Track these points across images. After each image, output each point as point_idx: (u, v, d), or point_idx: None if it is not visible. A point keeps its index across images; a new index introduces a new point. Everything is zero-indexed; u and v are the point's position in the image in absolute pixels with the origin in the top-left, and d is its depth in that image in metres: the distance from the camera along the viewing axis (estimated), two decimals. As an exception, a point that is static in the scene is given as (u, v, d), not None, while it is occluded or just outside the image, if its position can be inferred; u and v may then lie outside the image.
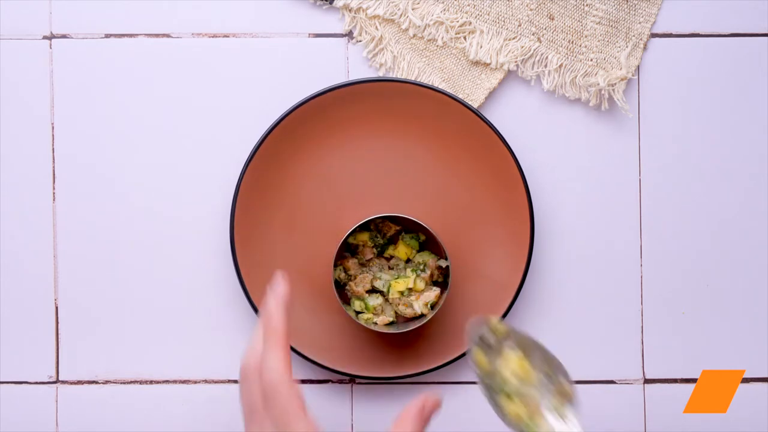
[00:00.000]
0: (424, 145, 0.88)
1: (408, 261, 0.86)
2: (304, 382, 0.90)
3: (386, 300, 0.86)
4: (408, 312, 0.85)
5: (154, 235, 0.90)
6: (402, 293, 0.84)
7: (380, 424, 0.90)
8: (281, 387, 0.72)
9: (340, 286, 0.87)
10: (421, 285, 0.84)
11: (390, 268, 0.87)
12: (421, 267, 0.85)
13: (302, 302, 0.88)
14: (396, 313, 0.86)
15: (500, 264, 0.88)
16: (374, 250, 0.86)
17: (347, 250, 0.86)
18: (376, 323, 0.85)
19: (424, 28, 0.89)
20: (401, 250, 0.86)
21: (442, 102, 0.87)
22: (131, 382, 0.90)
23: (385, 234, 0.86)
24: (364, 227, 0.86)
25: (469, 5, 0.89)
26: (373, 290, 0.86)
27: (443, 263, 0.85)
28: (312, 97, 0.86)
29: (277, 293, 0.75)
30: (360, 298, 0.85)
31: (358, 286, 0.85)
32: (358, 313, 0.85)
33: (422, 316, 0.84)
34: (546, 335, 0.90)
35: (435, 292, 0.84)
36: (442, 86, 0.89)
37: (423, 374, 0.88)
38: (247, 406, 0.74)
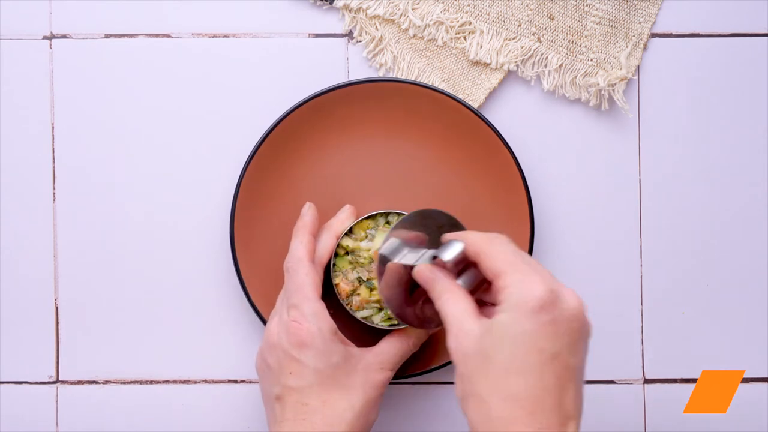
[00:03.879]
0: (424, 145, 0.88)
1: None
2: (304, 382, 0.90)
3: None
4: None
5: (155, 235, 0.90)
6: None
7: (380, 424, 0.90)
8: (298, 266, 0.80)
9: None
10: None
11: None
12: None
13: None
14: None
15: (500, 264, 0.88)
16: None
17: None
18: (374, 323, 0.84)
19: (424, 28, 0.89)
20: None
21: (442, 102, 0.87)
22: (131, 382, 0.90)
23: None
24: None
25: (469, 5, 0.89)
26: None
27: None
28: (312, 97, 0.86)
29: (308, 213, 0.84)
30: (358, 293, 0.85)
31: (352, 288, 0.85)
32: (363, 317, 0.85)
33: None
34: (546, 335, 0.90)
35: None
36: (442, 86, 0.89)
37: (423, 374, 0.88)
38: (275, 307, 0.82)
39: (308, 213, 0.84)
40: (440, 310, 0.71)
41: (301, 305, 0.79)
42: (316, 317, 0.78)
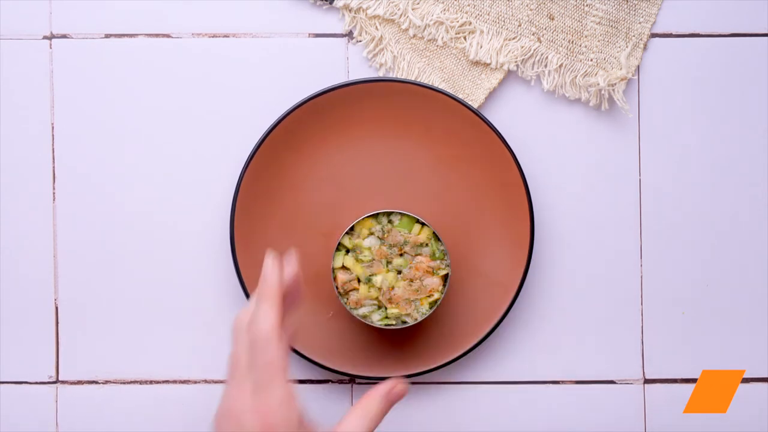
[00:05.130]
0: (424, 145, 0.88)
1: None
2: (303, 382, 0.90)
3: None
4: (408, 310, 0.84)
5: (154, 235, 0.90)
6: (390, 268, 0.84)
7: (380, 424, 0.90)
8: (267, 343, 0.72)
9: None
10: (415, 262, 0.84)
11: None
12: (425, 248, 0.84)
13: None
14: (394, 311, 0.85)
15: (500, 264, 0.88)
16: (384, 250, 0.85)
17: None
18: (373, 321, 0.84)
19: (424, 28, 0.89)
20: (424, 233, 0.85)
21: (442, 102, 0.87)
22: (131, 382, 0.90)
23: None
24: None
25: (469, 5, 0.89)
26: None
27: (442, 266, 0.85)
28: (312, 97, 0.86)
29: (277, 265, 0.74)
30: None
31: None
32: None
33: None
34: (546, 335, 0.90)
35: (435, 280, 0.84)
36: (442, 86, 0.89)
37: (423, 374, 0.88)
38: (232, 364, 0.74)
39: (272, 273, 0.73)
40: None
41: (270, 389, 0.72)
42: (285, 405, 0.72)
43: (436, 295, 0.84)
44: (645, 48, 0.90)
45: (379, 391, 0.75)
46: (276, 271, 0.73)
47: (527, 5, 0.89)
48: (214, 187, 0.90)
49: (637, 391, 0.90)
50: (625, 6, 0.89)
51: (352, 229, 0.85)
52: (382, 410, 0.76)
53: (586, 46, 0.89)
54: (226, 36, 0.90)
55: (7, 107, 0.89)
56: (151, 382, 0.90)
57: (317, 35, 0.90)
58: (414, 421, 0.90)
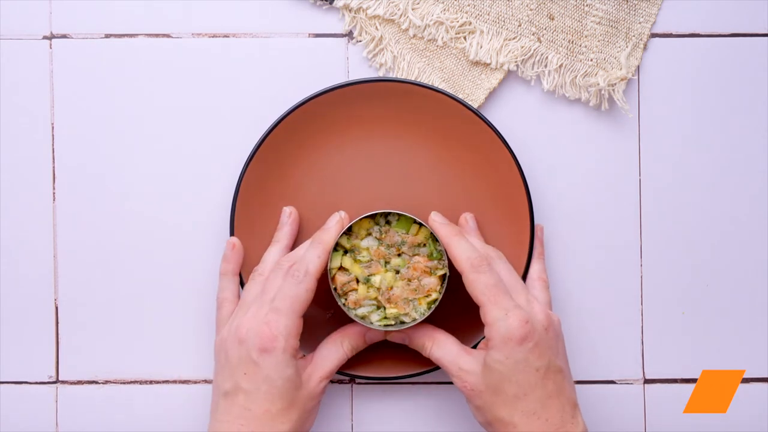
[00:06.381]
0: (424, 145, 0.88)
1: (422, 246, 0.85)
2: (304, 382, 0.90)
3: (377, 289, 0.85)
4: (407, 309, 0.84)
5: (154, 235, 0.90)
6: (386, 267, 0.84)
7: (380, 424, 0.90)
8: (304, 277, 0.80)
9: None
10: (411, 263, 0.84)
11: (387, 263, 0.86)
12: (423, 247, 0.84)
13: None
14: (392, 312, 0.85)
15: (500, 264, 0.88)
16: (381, 251, 0.85)
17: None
18: (372, 322, 0.84)
19: (424, 28, 0.89)
20: (422, 233, 0.85)
21: (442, 102, 0.87)
22: (131, 382, 0.90)
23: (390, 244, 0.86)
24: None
25: (469, 5, 0.89)
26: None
27: (440, 266, 0.85)
28: (312, 97, 0.86)
29: (340, 222, 0.85)
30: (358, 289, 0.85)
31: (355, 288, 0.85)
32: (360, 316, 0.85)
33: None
34: (546, 335, 0.90)
35: (432, 280, 0.84)
36: (442, 86, 0.89)
37: (423, 374, 0.88)
38: (260, 292, 0.82)
39: (335, 228, 0.84)
40: (431, 357, 0.83)
41: (282, 315, 0.80)
42: (287, 331, 0.80)
43: (435, 295, 0.84)
44: (645, 48, 0.90)
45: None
46: (338, 228, 0.84)
47: (527, 5, 0.89)
48: (214, 187, 0.90)
49: (637, 391, 0.90)
50: (625, 6, 0.89)
51: (350, 229, 0.85)
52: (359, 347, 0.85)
53: (586, 46, 0.89)
54: (226, 36, 0.90)
55: (7, 107, 0.89)
56: (151, 382, 0.90)
57: (317, 35, 0.90)
58: (413, 420, 0.90)
